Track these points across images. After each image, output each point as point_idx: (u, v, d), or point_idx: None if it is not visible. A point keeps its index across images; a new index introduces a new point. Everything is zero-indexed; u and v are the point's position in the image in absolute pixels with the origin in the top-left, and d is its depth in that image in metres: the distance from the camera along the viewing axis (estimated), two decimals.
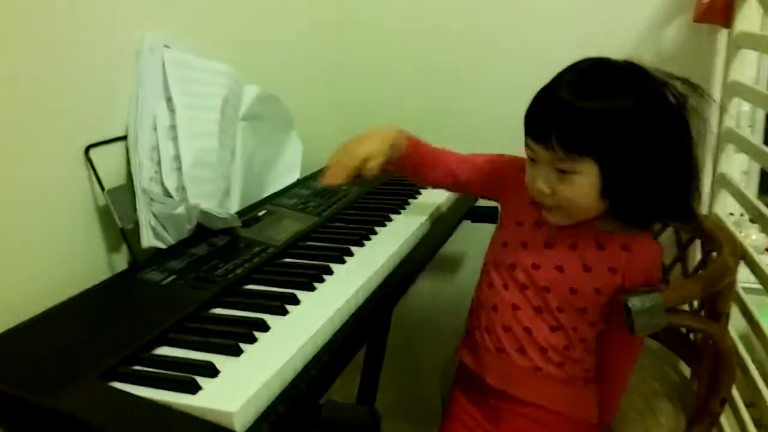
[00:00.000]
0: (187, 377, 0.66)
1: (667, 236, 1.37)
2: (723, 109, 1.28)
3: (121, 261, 0.98)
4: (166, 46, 1.03)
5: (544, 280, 0.93)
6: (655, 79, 0.84)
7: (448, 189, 1.17)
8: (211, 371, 0.68)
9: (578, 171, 0.83)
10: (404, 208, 1.24)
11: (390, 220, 1.17)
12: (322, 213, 1.18)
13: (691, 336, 1.27)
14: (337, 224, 1.15)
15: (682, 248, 1.33)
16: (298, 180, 1.35)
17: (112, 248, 0.97)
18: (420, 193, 1.34)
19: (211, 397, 0.64)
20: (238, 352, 0.72)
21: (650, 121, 0.81)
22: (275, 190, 1.30)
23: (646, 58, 1.31)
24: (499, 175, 1.03)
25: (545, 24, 1.43)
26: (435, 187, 1.15)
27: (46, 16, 0.87)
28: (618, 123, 0.80)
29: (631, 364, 1.04)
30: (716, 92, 1.27)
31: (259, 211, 1.15)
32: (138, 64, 1.00)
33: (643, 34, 1.35)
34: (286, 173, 1.34)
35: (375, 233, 1.10)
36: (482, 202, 1.36)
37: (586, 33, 1.33)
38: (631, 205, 0.87)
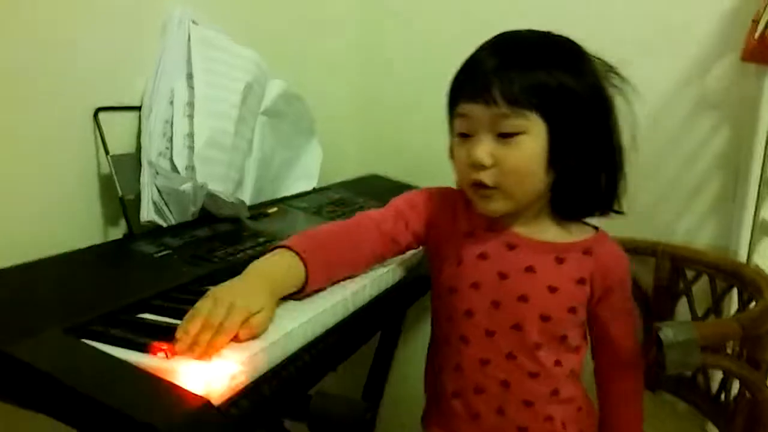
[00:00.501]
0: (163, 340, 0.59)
1: (701, 286, 1.28)
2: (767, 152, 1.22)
3: (117, 233, 0.92)
4: (194, 23, 1.00)
5: (511, 317, 0.79)
6: (587, 59, 0.79)
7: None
8: None
9: (525, 129, 0.73)
10: None
11: None
12: (336, 218, 1.12)
13: (722, 396, 1.16)
14: None
15: (717, 299, 1.24)
16: (314, 189, 1.30)
17: (110, 219, 0.92)
18: None
19: (189, 364, 0.57)
20: None
21: (588, 95, 0.76)
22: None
23: (691, 96, 1.30)
24: (430, 209, 0.85)
25: None
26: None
27: None
28: (562, 92, 0.74)
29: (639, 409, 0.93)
30: (762, 133, 1.21)
31: (270, 209, 1.09)
32: (163, 37, 0.97)
33: (688, 73, 1.30)
34: (303, 179, 1.28)
35: None
36: None
37: (630, 72, 1.29)
38: (571, 185, 0.79)
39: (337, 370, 1.03)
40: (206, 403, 0.53)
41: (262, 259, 0.72)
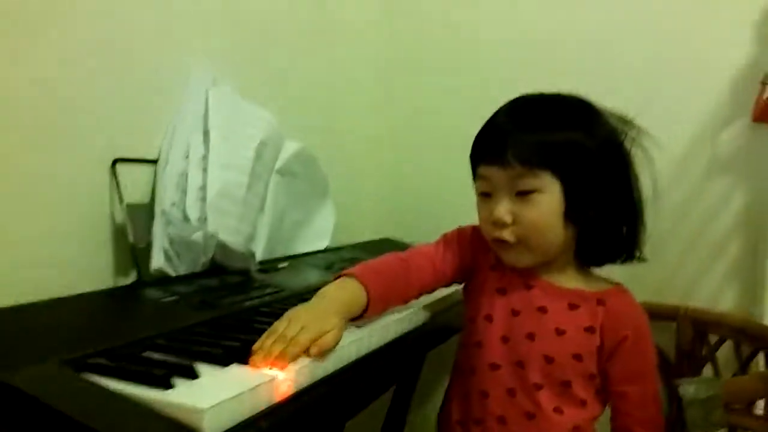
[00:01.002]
0: (159, 372, 0.58)
1: (727, 351, 1.23)
2: None
3: (127, 281, 0.92)
4: (213, 83, 1.05)
5: (516, 353, 0.82)
6: (602, 114, 0.83)
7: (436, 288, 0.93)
8: (190, 372, 0.60)
9: (539, 188, 0.77)
10: None
11: None
12: None
13: None
14: None
15: (743, 364, 1.19)
16: (326, 248, 1.30)
17: (120, 267, 0.92)
18: None
19: (183, 394, 0.55)
20: (226, 362, 0.64)
21: (602, 148, 0.80)
22: None
23: (706, 158, 1.30)
24: (470, 244, 0.90)
25: None
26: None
27: (106, 27, 0.91)
28: (573, 143, 0.78)
29: None
30: None
31: (280, 263, 1.10)
32: (183, 94, 1.01)
33: (701, 132, 1.31)
34: (315, 239, 1.29)
35: None
36: None
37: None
38: (593, 236, 0.82)
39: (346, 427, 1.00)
40: None
41: (330, 285, 0.79)
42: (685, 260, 1.34)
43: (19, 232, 0.80)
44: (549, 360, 0.80)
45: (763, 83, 1.20)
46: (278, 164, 1.16)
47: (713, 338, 1.25)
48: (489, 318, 0.84)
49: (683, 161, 1.33)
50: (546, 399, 0.80)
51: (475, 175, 0.83)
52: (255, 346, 0.65)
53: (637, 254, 0.84)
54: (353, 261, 1.22)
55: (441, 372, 1.57)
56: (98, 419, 0.51)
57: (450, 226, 1.16)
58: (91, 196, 0.89)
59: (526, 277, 0.84)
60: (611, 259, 0.85)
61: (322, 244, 1.30)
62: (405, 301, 0.87)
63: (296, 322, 0.68)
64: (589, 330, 0.81)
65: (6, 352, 0.62)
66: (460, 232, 0.92)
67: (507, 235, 0.79)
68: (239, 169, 1.00)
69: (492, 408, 0.82)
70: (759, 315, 1.22)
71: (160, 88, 1.00)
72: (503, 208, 0.79)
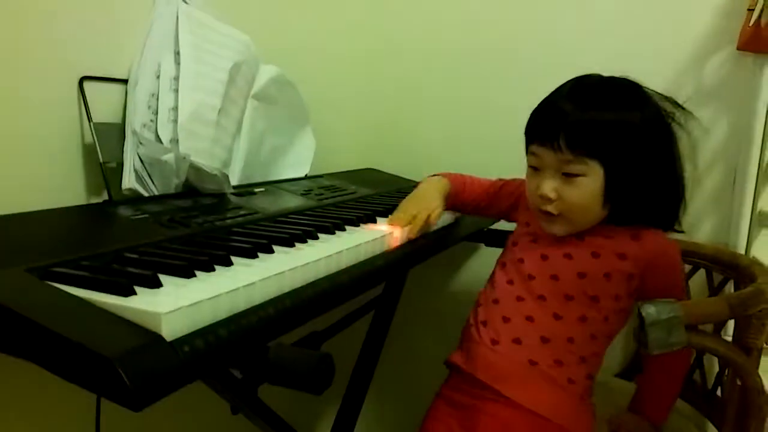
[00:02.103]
0: (122, 281, 0.58)
1: (698, 279, 1.25)
2: (766, 143, 1.20)
3: (98, 201, 0.92)
4: (184, 1, 1.02)
5: (552, 267, 0.92)
6: (652, 98, 0.90)
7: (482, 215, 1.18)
8: (153, 282, 0.60)
9: (585, 173, 0.85)
10: None
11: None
12: (323, 200, 1.11)
13: (718, 392, 1.12)
14: (337, 208, 1.08)
15: (714, 291, 1.21)
16: (306, 176, 1.30)
17: (92, 186, 0.92)
18: None
19: (143, 301, 0.56)
20: (189, 275, 0.64)
21: (651, 133, 0.87)
22: None
23: (689, 87, 1.29)
24: (516, 193, 1.07)
25: (587, 56, 1.38)
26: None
27: None
28: (625, 132, 0.85)
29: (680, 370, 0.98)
30: (759, 124, 1.19)
31: (256, 188, 1.10)
32: (153, 11, 0.99)
33: (685, 64, 1.30)
34: (294, 167, 1.29)
35: (374, 220, 1.02)
36: (498, 226, 1.29)
37: (627, 65, 1.28)
38: (629, 211, 0.89)
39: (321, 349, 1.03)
40: (157, 337, 0.53)
41: (427, 178, 1.09)
42: None
43: None
44: (582, 275, 0.89)
45: (749, 9, 1.17)
46: (255, 89, 1.15)
47: (687, 267, 1.26)
48: (534, 240, 0.95)
49: (667, 91, 1.31)
50: (573, 307, 0.89)
51: (527, 150, 0.91)
52: (390, 220, 0.97)
53: (676, 226, 0.94)
54: (332, 188, 1.23)
55: (421, 299, 1.60)
56: (58, 322, 0.52)
57: (431, 157, 1.17)
58: (59, 115, 0.88)
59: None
60: (645, 225, 0.92)
61: (301, 172, 1.30)
62: (465, 211, 1.13)
63: (413, 205, 0.99)
64: (621, 257, 0.89)
65: None
66: (514, 182, 1.08)
67: (551, 208, 0.88)
68: (211, 92, 0.99)
69: (523, 309, 0.90)
70: (734, 245, 1.24)
71: (129, 5, 0.97)
72: (549, 186, 0.87)
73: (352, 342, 1.29)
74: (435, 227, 1.03)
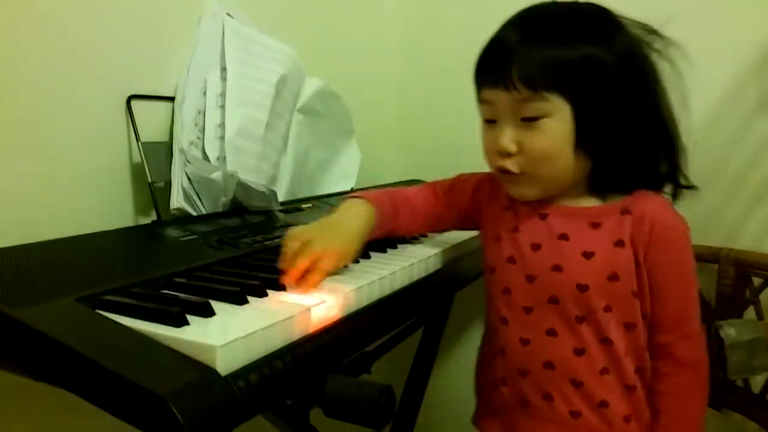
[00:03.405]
0: (174, 310, 0.56)
1: None
2: None
3: (147, 221, 0.91)
4: (229, 15, 1.00)
5: (547, 290, 0.74)
6: (623, 24, 0.74)
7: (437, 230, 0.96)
8: (206, 311, 0.58)
9: (547, 113, 0.69)
10: None
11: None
12: None
13: None
14: None
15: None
16: (352, 189, 1.27)
17: (140, 206, 0.91)
18: None
19: (197, 332, 0.54)
20: (242, 301, 0.62)
21: (623, 63, 0.70)
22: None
23: (752, 92, 1.21)
24: (472, 192, 0.87)
25: None
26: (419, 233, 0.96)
27: None
28: (588, 60, 0.69)
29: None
30: None
31: (304, 204, 1.07)
32: (199, 28, 0.97)
33: (748, 72, 1.22)
34: (340, 179, 1.26)
35: (425, 235, 0.99)
36: None
37: (688, 71, 1.23)
38: (609, 163, 0.73)
39: (371, 372, 1.00)
40: (212, 372, 0.50)
41: (345, 204, 0.81)
42: (728, 202, 1.27)
43: (35, 175, 0.79)
44: (583, 288, 0.72)
45: None
46: (300, 102, 1.13)
47: (757, 281, 1.19)
48: (512, 260, 0.77)
49: (727, 95, 1.25)
50: (589, 331, 0.73)
51: (479, 100, 0.76)
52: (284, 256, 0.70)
53: (682, 181, 0.76)
54: None
55: (470, 313, 1.56)
56: (110, 357, 0.50)
57: (475, 166, 1.12)
58: (107, 135, 0.88)
59: (539, 207, 0.77)
60: (632, 185, 0.76)
61: (347, 185, 1.27)
62: (405, 234, 0.89)
63: (319, 242, 0.71)
64: (619, 244, 0.73)
65: (23, 290, 0.61)
66: (460, 180, 0.89)
67: (511, 165, 0.73)
68: (257, 107, 0.97)
69: (535, 354, 0.75)
70: None
71: (175, 23, 0.97)
72: (507, 137, 0.71)
73: (400, 359, 1.26)
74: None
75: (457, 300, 1.36)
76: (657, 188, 0.76)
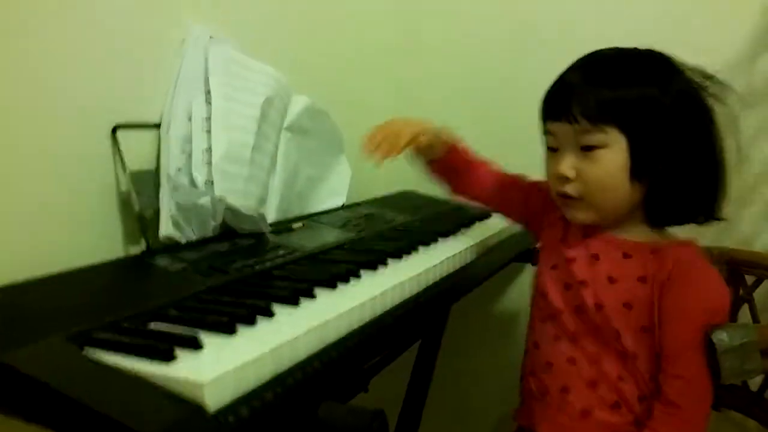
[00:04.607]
0: (162, 345, 0.56)
1: (763, 292, 1.18)
2: None
3: (137, 251, 0.91)
4: (212, 38, 1.00)
5: (575, 299, 0.83)
6: (679, 68, 0.81)
7: (484, 204, 1.08)
8: (193, 344, 0.58)
9: (604, 144, 0.77)
10: (455, 233, 1.13)
11: (436, 241, 1.05)
12: (362, 231, 1.08)
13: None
14: (377, 239, 1.05)
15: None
16: (343, 205, 1.27)
17: (129, 236, 0.91)
18: (476, 221, 1.23)
19: (185, 367, 0.54)
20: (231, 331, 0.62)
21: (678, 105, 0.77)
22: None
23: (739, 87, 1.22)
24: (541, 200, 0.94)
25: None
26: (470, 199, 1.07)
27: None
28: (644, 101, 0.77)
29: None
30: None
31: (294, 224, 1.07)
32: (182, 54, 0.98)
33: (734, 63, 1.23)
34: (331, 196, 1.26)
35: (416, 250, 0.99)
36: None
37: None
38: (663, 196, 0.79)
39: (369, 390, 1.00)
40: (200, 410, 0.50)
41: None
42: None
43: (21, 212, 0.78)
44: (599, 307, 0.80)
45: None
46: (287, 121, 1.13)
47: (750, 279, 1.19)
48: (555, 267, 0.87)
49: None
50: (607, 342, 0.81)
51: (544, 131, 0.84)
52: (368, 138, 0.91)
53: (717, 214, 0.82)
54: (370, 217, 1.20)
55: (467, 325, 1.56)
56: (97, 397, 0.50)
57: None
58: (93, 166, 0.87)
59: (588, 228, 0.85)
60: (685, 218, 0.83)
61: (338, 201, 1.27)
62: (455, 188, 1.04)
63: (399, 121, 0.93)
64: (642, 280, 0.79)
65: (11, 331, 0.61)
66: (535, 183, 0.98)
67: (570, 189, 0.80)
68: (244, 130, 0.97)
69: (562, 350, 0.84)
70: None
71: (157, 48, 0.96)
72: (566, 163, 0.79)
73: (397, 373, 1.26)
74: None
75: (454, 310, 1.36)
76: (708, 218, 0.82)
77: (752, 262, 1.18)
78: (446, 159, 1.00)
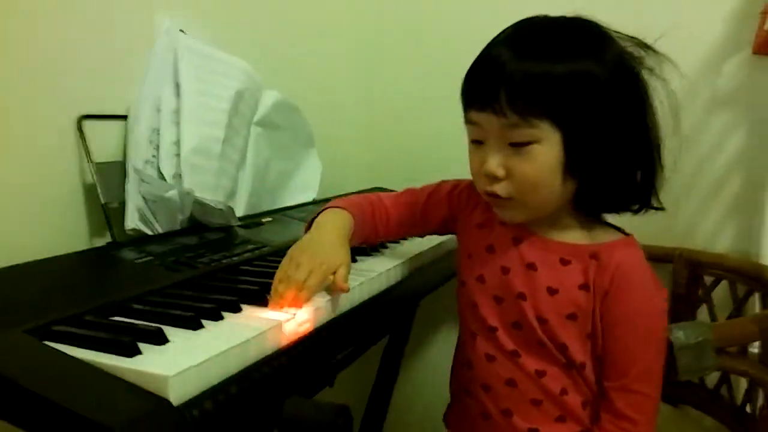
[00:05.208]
0: (126, 339, 0.56)
1: (722, 292, 1.22)
2: None
3: (102, 242, 0.89)
4: (181, 32, 0.99)
5: (512, 314, 0.75)
6: (613, 39, 0.71)
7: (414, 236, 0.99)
8: (159, 338, 0.58)
9: (536, 139, 0.67)
10: None
11: (405, 238, 1.06)
12: None
13: (747, 407, 1.08)
14: None
15: (739, 305, 1.17)
16: (314, 200, 1.27)
17: (95, 227, 0.90)
18: None
19: (149, 361, 0.54)
20: (197, 326, 0.62)
21: (615, 83, 0.68)
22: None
23: (705, 93, 1.25)
24: (448, 200, 0.86)
25: None
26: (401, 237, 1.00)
27: None
28: (578, 86, 0.67)
29: None
30: None
31: (264, 218, 1.07)
32: (151, 46, 0.96)
33: (699, 69, 1.26)
34: (301, 191, 1.26)
35: (385, 246, 0.99)
36: None
37: None
38: (599, 187, 0.71)
39: (334, 385, 1.00)
40: (164, 403, 0.50)
41: (324, 214, 0.82)
42: (681, 202, 1.30)
43: None
44: (542, 321, 0.73)
45: (763, 12, 1.14)
46: (258, 115, 1.12)
47: (709, 279, 1.23)
48: (481, 279, 0.78)
49: (681, 96, 1.28)
50: (551, 356, 0.74)
51: (466, 119, 0.73)
52: (272, 290, 0.70)
53: (654, 203, 0.74)
54: None
55: (435, 321, 1.57)
56: (59, 391, 0.49)
57: (439, 174, 1.13)
58: (58, 157, 0.86)
59: (516, 231, 0.76)
60: (618, 207, 0.75)
61: (309, 196, 1.27)
62: (383, 239, 0.91)
63: (304, 264, 0.72)
64: (584, 288, 0.72)
65: None
66: (440, 188, 0.88)
67: (499, 189, 0.71)
68: (214, 123, 0.97)
69: (498, 371, 0.76)
70: (757, 255, 1.20)
71: (127, 41, 0.95)
72: (495, 162, 0.69)
73: (364, 369, 1.26)
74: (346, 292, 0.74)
75: (422, 305, 1.37)
76: (645, 207, 0.75)
77: (712, 264, 1.21)
78: (359, 238, 0.84)
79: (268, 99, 1.14)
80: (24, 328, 0.57)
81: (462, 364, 0.82)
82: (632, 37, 0.72)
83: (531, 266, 0.75)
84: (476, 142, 0.72)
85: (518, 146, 0.68)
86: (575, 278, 0.73)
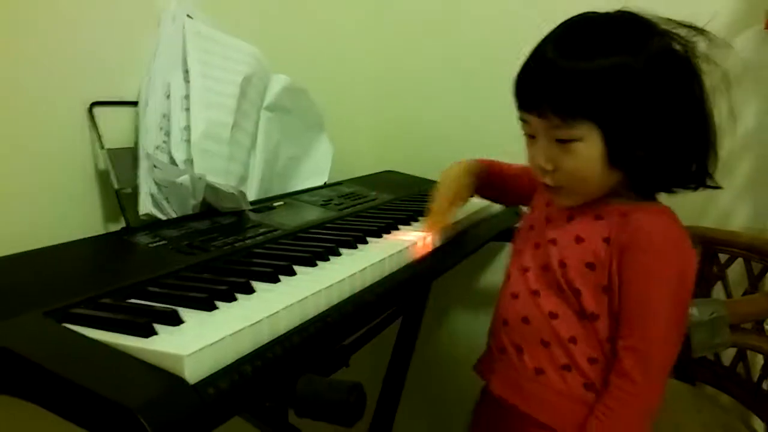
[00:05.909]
0: (141, 320, 0.57)
1: (736, 270, 1.21)
2: None
3: (116, 228, 0.91)
4: (189, 16, 0.99)
5: (543, 256, 0.83)
6: (656, 29, 0.74)
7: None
8: (174, 319, 0.58)
9: (578, 137, 0.74)
10: None
11: (416, 220, 1.06)
12: (343, 210, 1.09)
13: (765, 385, 1.08)
14: (358, 218, 1.05)
15: (754, 281, 1.16)
16: (325, 184, 1.27)
17: (109, 213, 0.91)
18: None
19: (164, 341, 0.54)
20: (210, 307, 0.62)
21: (654, 76, 0.71)
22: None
23: (716, 71, 1.23)
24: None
25: None
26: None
27: None
28: (615, 81, 0.71)
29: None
30: None
31: (275, 202, 1.07)
32: (159, 31, 0.97)
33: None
34: (312, 175, 1.26)
35: (397, 228, 1.00)
36: None
37: None
38: (647, 173, 0.76)
39: (350, 364, 1.01)
40: (181, 382, 0.51)
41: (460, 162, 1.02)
42: None
43: None
44: (563, 265, 0.79)
45: None
46: (267, 100, 1.12)
47: (724, 257, 1.22)
48: (532, 227, 0.88)
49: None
50: (567, 300, 0.79)
51: (519, 116, 0.80)
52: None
53: (709, 182, 0.78)
54: (352, 196, 1.20)
55: (448, 302, 1.58)
56: (78, 372, 0.50)
57: (450, 156, 1.14)
58: (70, 144, 0.87)
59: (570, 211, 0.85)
60: (669, 188, 0.79)
61: (320, 180, 1.27)
62: (504, 190, 1.05)
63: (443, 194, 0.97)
64: (606, 240, 0.77)
65: None
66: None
67: (549, 180, 0.79)
68: (223, 108, 0.97)
69: (519, 308, 0.84)
70: None
71: (134, 26, 0.96)
72: (543, 157, 0.78)
73: (379, 349, 1.27)
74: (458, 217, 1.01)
75: (435, 286, 1.38)
76: (700, 187, 0.79)
77: (726, 241, 1.20)
78: (485, 187, 1.03)
79: (277, 83, 1.14)
80: (43, 311, 0.58)
81: (497, 306, 0.90)
82: (683, 23, 0.74)
83: (570, 218, 0.82)
84: (530, 137, 0.80)
85: (563, 143, 0.75)
86: (602, 231, 0.78)
